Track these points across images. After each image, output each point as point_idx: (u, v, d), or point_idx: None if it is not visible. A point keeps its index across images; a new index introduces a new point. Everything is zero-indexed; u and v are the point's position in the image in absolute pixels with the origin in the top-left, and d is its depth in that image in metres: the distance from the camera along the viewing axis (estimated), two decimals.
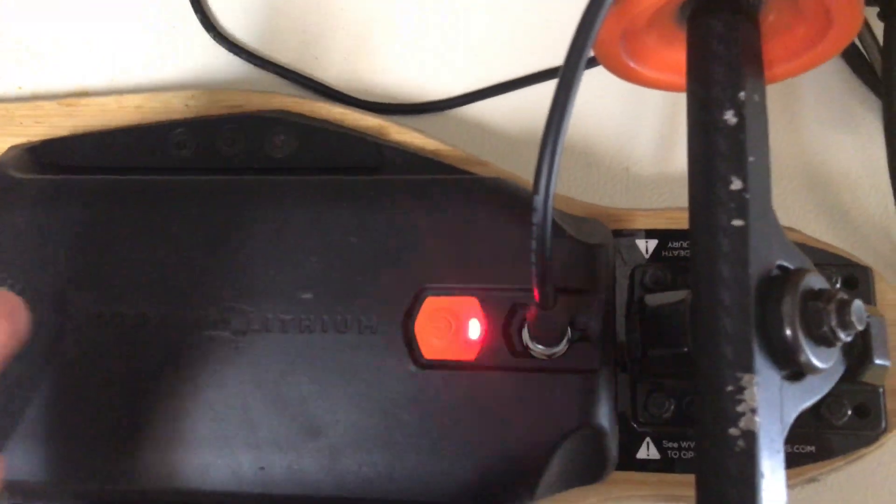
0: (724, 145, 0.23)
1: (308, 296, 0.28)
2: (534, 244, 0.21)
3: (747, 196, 0.23)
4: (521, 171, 0.33)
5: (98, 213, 0.31)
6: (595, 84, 0.37)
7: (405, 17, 0.39)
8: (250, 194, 0.30)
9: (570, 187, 0.36)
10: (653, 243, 0.31)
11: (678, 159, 0.36)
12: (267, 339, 0.28)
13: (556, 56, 0.38)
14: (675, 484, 0.29)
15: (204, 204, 0.30)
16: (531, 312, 0.25)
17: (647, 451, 0.29)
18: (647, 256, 0.31)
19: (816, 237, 0.31)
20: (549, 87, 0.36)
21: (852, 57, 0.36)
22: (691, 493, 0.29)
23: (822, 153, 0.35)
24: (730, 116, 0.23)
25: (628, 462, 0.29)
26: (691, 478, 0.29)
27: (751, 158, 0.23)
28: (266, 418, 0.27)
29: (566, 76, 0.20)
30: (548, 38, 0.38)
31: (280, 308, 0.28)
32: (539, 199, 0.20)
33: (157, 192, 0.31)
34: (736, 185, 0.23)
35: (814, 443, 0.28)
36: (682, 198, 0.35)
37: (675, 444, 0.29)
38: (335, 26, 0.39)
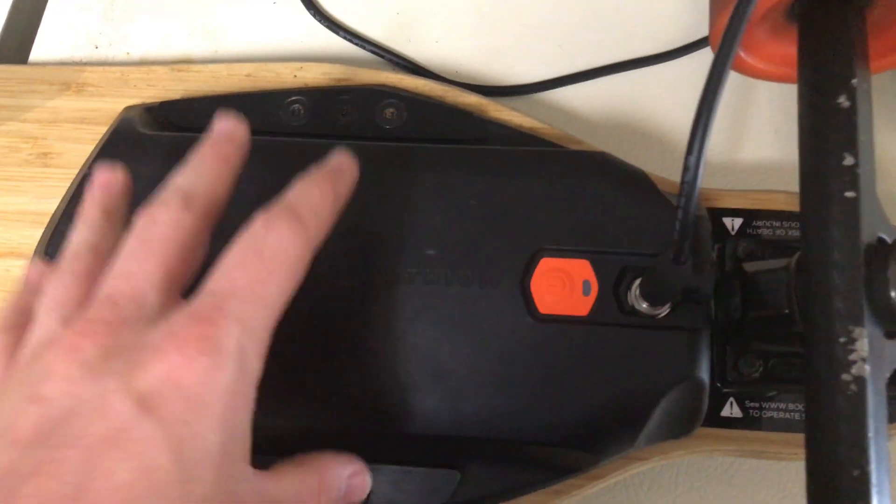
0: (837, 126, 0.26)
1: (432, 252, 0.31)
2: (682, 200, 0.23)
3: (859, 171, 0.25)
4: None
5: None
6: (670, 77, 0.40)
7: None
8: (374, 158, 0.32)
9: (649, 171, 0.38)
10: (738, 221, 0.33)
11: (747, 149, 0.39)
12: (394, 290, 0.30)
13: (623, 50, 0.40)
14: (756, 440, 0.31)
15: None
16: (650, 270, 0.28)
17: (731, 409, 0.32)
18: (732, 233, 0.33)
19: None
20: (624, 77, 0.39)
21: None
22: (771, 448, 0.32)
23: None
24: (843, 100, 0.26)
25: (712, 420, 0.31)
26: (771, 435, 0.31)
27: (861, 138, 0.26)
28: (393, 362, 0.30)
29: (721, 55, 0.22)
30: (619, 34, 0.41)
31: (407, 262, 0.30)
32: (692, 160, 0.23)
33: (279, 152, 0.33)
34: (848, 160, 0.25)
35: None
36: (749, 184, 0.37)
37: (756, 404, 0.32)
38: (427, 10, 0.42)
